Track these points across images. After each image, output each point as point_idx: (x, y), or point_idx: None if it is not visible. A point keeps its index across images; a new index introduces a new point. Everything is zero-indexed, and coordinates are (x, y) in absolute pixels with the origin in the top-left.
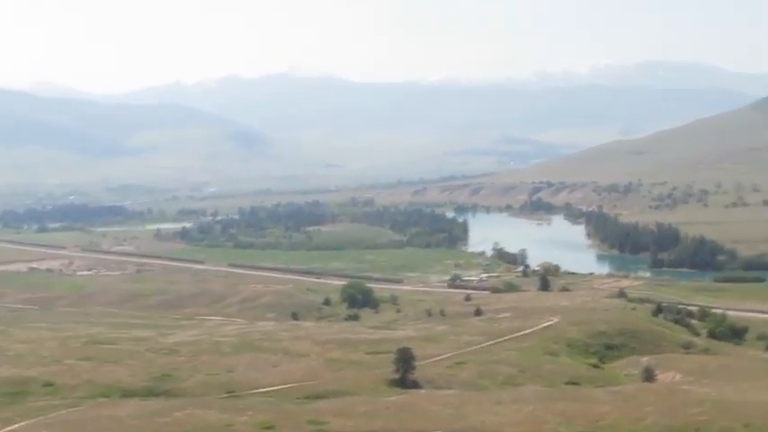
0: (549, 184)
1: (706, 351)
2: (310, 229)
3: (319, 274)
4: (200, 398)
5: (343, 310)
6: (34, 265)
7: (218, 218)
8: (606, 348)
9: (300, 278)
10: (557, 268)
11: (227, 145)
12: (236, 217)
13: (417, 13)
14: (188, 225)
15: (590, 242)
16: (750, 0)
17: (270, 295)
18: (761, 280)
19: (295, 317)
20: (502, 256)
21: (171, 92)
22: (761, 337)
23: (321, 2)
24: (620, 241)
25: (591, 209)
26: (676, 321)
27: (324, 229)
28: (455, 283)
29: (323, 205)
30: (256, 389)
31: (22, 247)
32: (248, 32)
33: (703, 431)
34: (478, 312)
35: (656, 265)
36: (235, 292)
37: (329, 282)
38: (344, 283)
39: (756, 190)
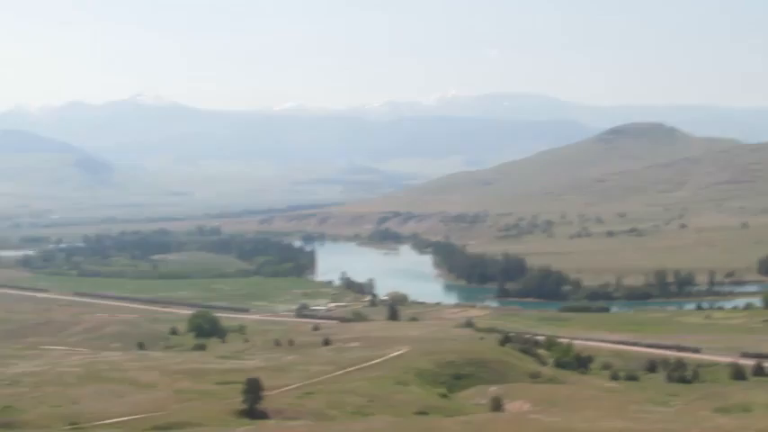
0: (397, 214)
1: (553, 380)
2: (156, 257)
3: (166, 303)
4: (44, 430)
5: (191, 339)
6: None
7: (63, 246)
8: (455, 378)
9: (147, 307)
10: (405, 298)
11: (71, 172)
12: (81, 245)
13: (266, 42)
14: (31, 253)
15: (437, 272)
16: (593, 35)
17: (115, 324)
18: (605, 310)
19: (141, 347)
20: (350, 286)
21: (13, 117)
22: (605, 367)
23: (167, 29)
24: (467, 271)
25: (438, 239)
26: (524, 351)
27: (170, 257)
28: (303, 312)
29: (169, 233)
30: (102, 420)
31: None
32: (93, 57)
33: None
34: (327, 342)
35: (503, 294)
36: (79, 321)
37: (176, 311)
38: (191, 312)
39: (600, 221)
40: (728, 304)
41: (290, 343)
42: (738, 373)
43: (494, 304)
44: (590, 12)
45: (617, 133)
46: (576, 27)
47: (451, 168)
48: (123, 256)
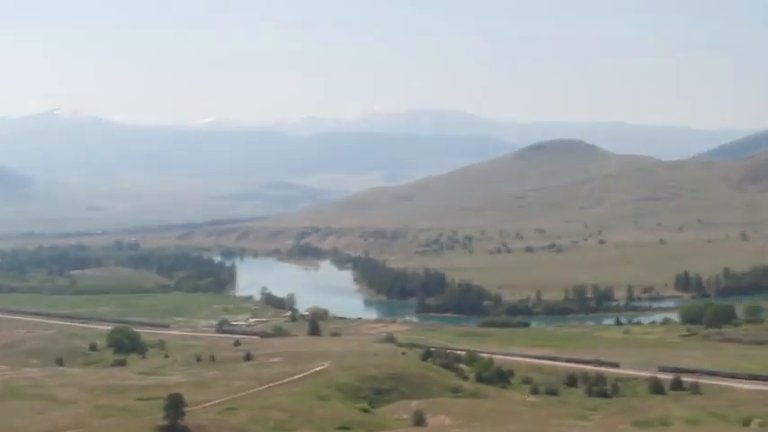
0: (317, 229)
1: (474, 395)
2: (74, 272)
3: (84, 319)
4: None
5: (110, 355)
6: None
7: None
8: (376, 393)
9: (65, 323)
10: (326, 313)
11: None
12: None
13: (184, 57)
14: None
15: (358, 287)
16: (511, 52)
17: (33, 340)
18: (525, 325)
19: (60, 363)
20: (270, 301)
21: None
22: (526, 381)
23: (86, 42)
24: (387, 286)
25: (358, 254)
26: (445, 366)
27: (88, 272)
28: (223, 327)
29: (87, 248)
30: None
31: None
32: (9, 72)
33: None
34: (248, 357)
35: (424, 310)
36: None
37: (95, 327)
38: (110, 327)
39: (519, 236)
40: (646, 319)
41: (212, 358)
42: (657, 388)
43: (414, 319)
44: (508, 30)
45: (536, 150)
46: (495, 44)
47: (372, 183)
48: (41, 271)
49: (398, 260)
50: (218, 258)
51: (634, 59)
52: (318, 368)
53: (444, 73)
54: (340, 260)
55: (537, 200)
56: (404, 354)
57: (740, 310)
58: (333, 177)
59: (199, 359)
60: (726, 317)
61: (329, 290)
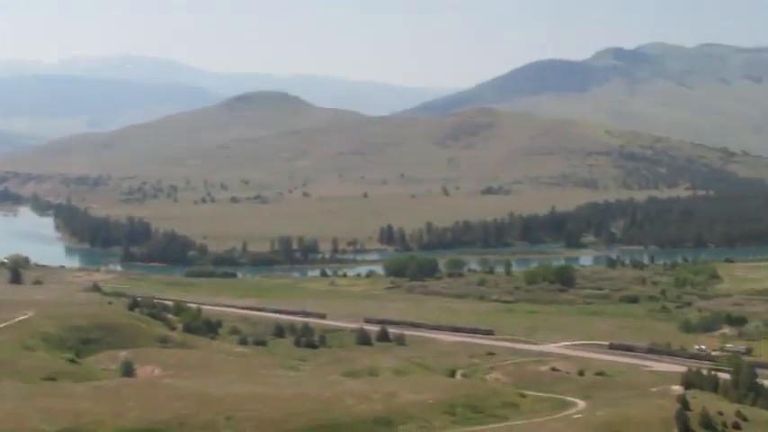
0: (16, 175)
1: (183, 345)
2: None
3: None
4: None
5: None
6: None
7: None
8: (83, 343)
9: None
10: (27, 261)
11: None
12: None
13: None
14: None
15: (60, 235)
16: (218, 2)
17: None
18: (231, 275)
19: None
20: None
21: None
22: (234, 332)
23: None
24: (90, 234)
25: (60, 201)
26: (152, 315)
27: None
28: None
29: None
30: None
31: None
32: None
33: (187, 425)
34: None
35: (128, 258)
36: None
37: None
38: None
39: (224, 187)
40: (352, 272)
41: None
42: (364, 339)
43: (119, 268)
44: None
45: (242, 100)
46: None
47: (74, 129)
48: None
49: (101, 208)
50: None
51: (339, 16)
52: (22, 317)
53: (148, 19)
54: (41, 207)
55: (242, 151)
56: (110, 303)
57: (442, 263)
58: (32, 122)
59: None
60: (428, 270)
61: (30, 237)
